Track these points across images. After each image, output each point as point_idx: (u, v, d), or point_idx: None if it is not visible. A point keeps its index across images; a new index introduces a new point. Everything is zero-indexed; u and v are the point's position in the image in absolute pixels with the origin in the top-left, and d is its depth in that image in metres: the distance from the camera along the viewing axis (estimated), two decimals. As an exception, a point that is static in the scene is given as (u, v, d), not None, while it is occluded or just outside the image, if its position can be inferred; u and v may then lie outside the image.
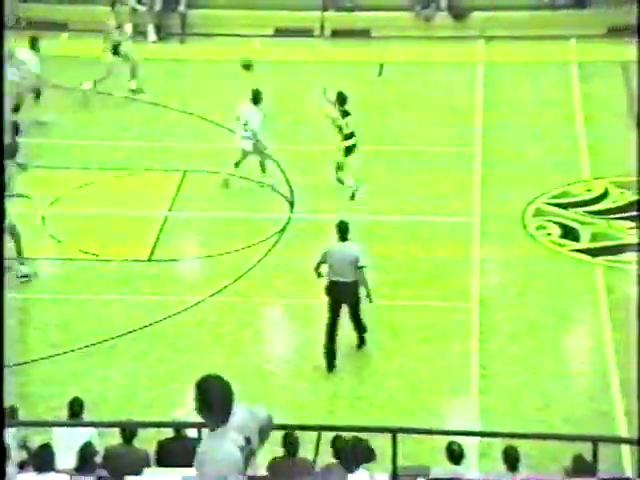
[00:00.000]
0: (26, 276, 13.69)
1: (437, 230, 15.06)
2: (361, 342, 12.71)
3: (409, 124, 17.84)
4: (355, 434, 8.96)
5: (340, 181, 15.69)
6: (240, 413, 5.66)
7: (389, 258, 14.39)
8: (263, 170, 15.77)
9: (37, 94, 17.49)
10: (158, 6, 20.46)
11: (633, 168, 14.09)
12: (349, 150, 15.55)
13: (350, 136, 15.48)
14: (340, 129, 15.47)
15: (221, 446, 5.52)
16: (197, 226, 15.32)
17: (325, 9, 21.06)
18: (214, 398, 5.60)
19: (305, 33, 20.63)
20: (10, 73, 16.69)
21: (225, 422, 5.58)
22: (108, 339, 12.86)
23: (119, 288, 13.79)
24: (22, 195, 13.79)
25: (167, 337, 12.98)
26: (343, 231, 12.34)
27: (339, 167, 15.62)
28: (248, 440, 5.62)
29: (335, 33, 20.92)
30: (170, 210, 15.44)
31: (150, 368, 12.50)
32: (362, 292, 12.35)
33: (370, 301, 12.40)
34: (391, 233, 14.99)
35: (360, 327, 12.59)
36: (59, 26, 20.59)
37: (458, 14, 21.04)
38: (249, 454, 5.63)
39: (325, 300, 12.38)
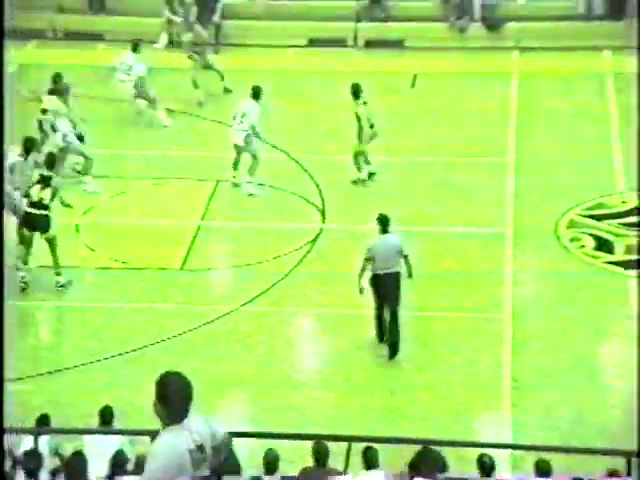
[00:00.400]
0: (63, 285, 13.77)
1: (470, 241, 14.98)
2: (393, 352, 12.68)
3: (442, 135, 17.78)
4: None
5: (358, 167, 15.86)
6: (197, 420, 5.66)
7: (421, 268, 14.32)
8: (235, 168, 15.80)
9: (152, 101, 17.68)
10: (193, 17, 20.56)
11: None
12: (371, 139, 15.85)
13: (371, 126, 15.75)
14: (359, 118, 15.60)
15: (170, 442, 5.50)
16: (229, 235, 15.35)
17: (359, 20, 21.08)
18: (172, 394, 5.60)
19: (338, 43, 20.65)
20: (121, 79, 17.13)
21: (179, 421, 5.57)
22: (139, 348, 12.90)
23: (151, 296, 13.84)
24: (67, 205, 13.87)
25: (198, 346, 12.99)
26: (385, 223, 12.70)
27: (358, 154, 15.84)
28: (200, 448, 5.58)
29: (368, 43, 20.92)
30: (203, 219, 15.48)
31: (181, 377, 12.48)
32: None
33: (410, 276, 12.74)
34: (423, 244, 14.92)
35: (397, 330, 12.58)
36: (95, 37, 20.75)
37: (492, 25, 20.97)
38: (200, 461, 5.57)
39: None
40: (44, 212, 13.53)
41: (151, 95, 17.67)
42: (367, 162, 16.11)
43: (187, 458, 5.50)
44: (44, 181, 13.59)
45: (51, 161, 13.89)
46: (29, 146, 14.40)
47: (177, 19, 20.56)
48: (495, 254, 14.71)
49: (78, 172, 16.05)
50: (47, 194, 13.56)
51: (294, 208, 15.76)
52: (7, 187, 13.64)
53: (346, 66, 19.37)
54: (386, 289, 12.56)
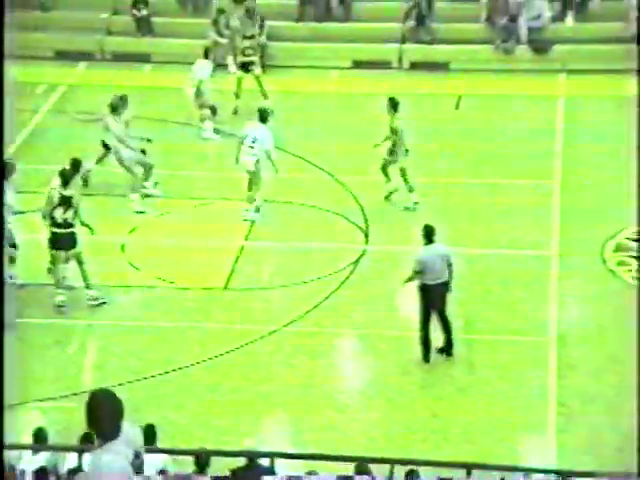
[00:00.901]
0: (96, 299, 13.85)
1: (515, 263, 14.87)
2: (449, 346, 12.75)
3: (487, 157, 17.71)
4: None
5: (387, 176, 15.88)
6: (128, 428, 5.79)
7: (465, 291, 14.23)
8: (249, 189, 15.70)
9: (213, 109, 17.88)
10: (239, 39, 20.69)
11: None
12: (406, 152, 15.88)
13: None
14: (395, 131, 15.67)
15: (112, 460, 5.63)
16: (272, 256, 15.37)
17: (404, 42, 21.10)
18: (104, 414, 5.72)
19: (383, 65, 20.67)
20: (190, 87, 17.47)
21: (115, 437, 5.69)
22: (183, 367, 12.92)
23: (195, 316, 13.87)
24: (86, 225, 13.95)
25: (241, 366, 12.99)
26: (430, 233, 12.72)
27: (386, 164, 15.92)
28: (137, 455, 5.79)
29: (413, 65, 20.92)
30: (246, 239, 15.51)
31: (224, 397, 12.51)
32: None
33: (450, 289, 12.81)
34: (467, 266, 14.81)
35: (449, 327, 12.72)
36: (142, 58, 20.96)
37: (539, 47, 20.89)
38: (138, 467, 5.77)
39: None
40: (70, 230, 13.60)
41: (210, 102, 17.79)
42: (388, 179, 16.00)
43: (129, 470, 5.69)
44: (66, 202, 13.66)
45: (65, 180, 13.84)
46: (76, 166, 14.52)
47: (223, 41, 20.70)
48: (540, 277, 14.58)
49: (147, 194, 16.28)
50: (71, 214, 13.62)
51: (337, 229, 15.75)
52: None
53: (391, 88, 19.32)
54: (436, 298, 12.58)
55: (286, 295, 14.41)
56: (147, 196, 16.07)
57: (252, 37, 19.15)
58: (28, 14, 21.45)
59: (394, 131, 15.79)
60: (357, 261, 14.95)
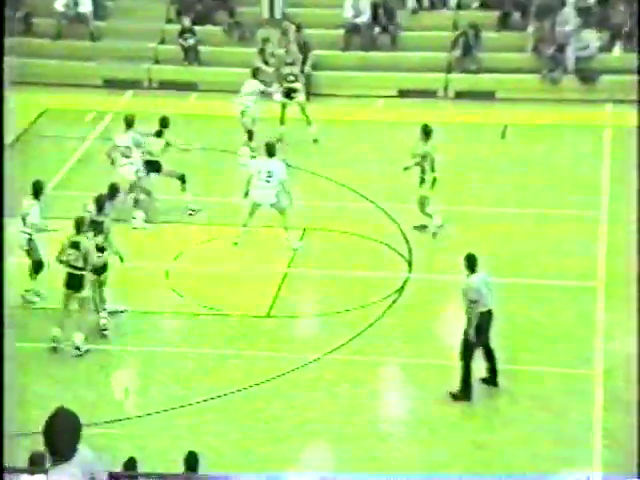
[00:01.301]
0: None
1: (561, 294, 14.71)
2: (494, 375, 12.62)
3: (533, 186, 17.60)
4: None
5: (428, 215, 15.85)
6: (84, 451, 5.74)
7: (510, 321, 14.10)
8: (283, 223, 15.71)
9: (250, 134, 18.09)
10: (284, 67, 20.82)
11: None
12: (433, 183, 15.80)
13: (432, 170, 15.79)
14: (427, 161, 15.65)
15: None
16: (315, 283, 15.35)
17: (449, 71, 21.09)
18: (59, 433, 5.67)
19: (429, 94, 20.66)
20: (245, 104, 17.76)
21: (68, 459, 5.64)
22: (225, 394, 12.91)
23: (237, 343, 13.88)
24: (117, 253, 14.01)
25: (283, 394, 12.95)
26: (473, 262, 12.64)
27: (423, 201, 15.86)
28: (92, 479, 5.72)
29: (459, 94, 20.89)
30: (289, 267, 15.52)
31: (265, 424, 12.48)
32: None
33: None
34: (513, 295, 14.70)
35: (493, 356, 12.63)
36: (189, 87, 21.16)
37: (586, 77, 20.76)
38: None
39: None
40: (101, 254, 13.69)
41: (249, 126, 17.98)
42: (430, 217, 15.92)
43: None
44: (96, 227, 13.73)
45: (100, 205, 13.96)
46: (113, 192, 14.66)
47: (268, 69, 20.83)
48: (586, 308, 14.40)
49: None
50: (100, 239, 13.69)
51: (381, 257, 15.70)
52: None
53: (436, 117, 19.32)
54: (486, 326, 12.50)
55: (329, 323, 14.37)
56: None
57: (292, 64, 19.24)
58: (78, 44, 21.78)
59: (424, 157, 15.71)
60: (401, 289, 14.89)
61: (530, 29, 21.21)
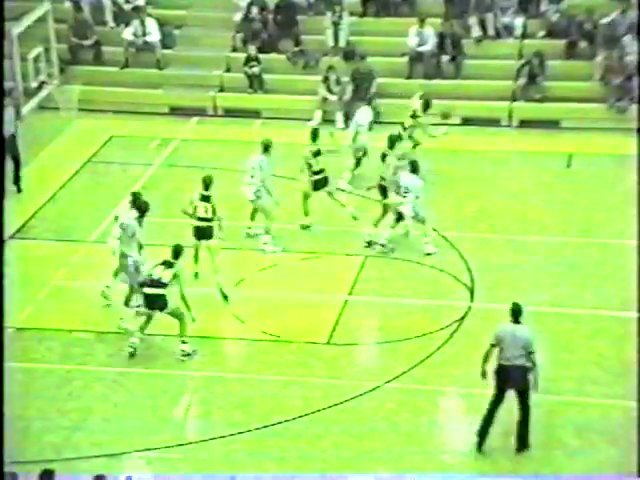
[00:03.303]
0: (188, 355, 13.97)
1: (626, 325, 14.45)
2: (522, 445, 12.26)
3: (598, 216, 17.39)
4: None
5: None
6: None
7: (574, 352, 13.91)
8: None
9: (358, 161, 18.20)
10: (348, 95, 20.91)
11: None
12: None
13: None
14: None
15: None
16: (376, 311, 15.31)
17: (514, 99, 20.98)
18: None
19: (493, 123, 20.58)
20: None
21: None
22: (284, 421, 12.90)
23: (297, 370, 13.87)
24: (185, 302, 13.98)
25: (342, 422, 12.90)
26: (517, 314, 12.26)
27: None
28: None
29: (523, 123, 20.77)
30: (350, 294, 15.50)
31: (324, 452, 12.43)
32: (531, 379, 12.11)
33: (536, 389, 12.15)
34: (576, 327, 14.51)
35: (526, 422, 12.21)
36: (253, 114, 21.34)
37: (653, 106, 20.49)
38: None
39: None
40: (161, 291, 13.74)
41: (359, 153, 18.14)
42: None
43: None
44: (168, 265, 13.86)
45: (177, 252, 13.98)
46: (143, 207, 14.82)
47: (333, 97, 20.94)
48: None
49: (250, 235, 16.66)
50: (168, 275, 13.76)
51: (443, 285, 15.62)
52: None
53: (500, 145, 19.25)
54: (510, 383, 12.11)
55: (389, 351, 14.30)
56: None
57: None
58: (145, 72, 22.11)
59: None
60: (462, 318, 14.78)
61: (598, 58, 21.03)
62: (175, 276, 13.76)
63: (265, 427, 12.82)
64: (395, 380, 13.54)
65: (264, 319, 14.90)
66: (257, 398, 13.40)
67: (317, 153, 16.67)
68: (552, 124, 20.59)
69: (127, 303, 14.53)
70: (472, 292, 15.38)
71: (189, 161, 19.22)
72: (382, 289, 15.57)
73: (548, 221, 17.24)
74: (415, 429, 12.75)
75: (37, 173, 19.04)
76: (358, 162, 18.30)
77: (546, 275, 15.78)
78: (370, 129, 18.53)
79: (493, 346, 12.24)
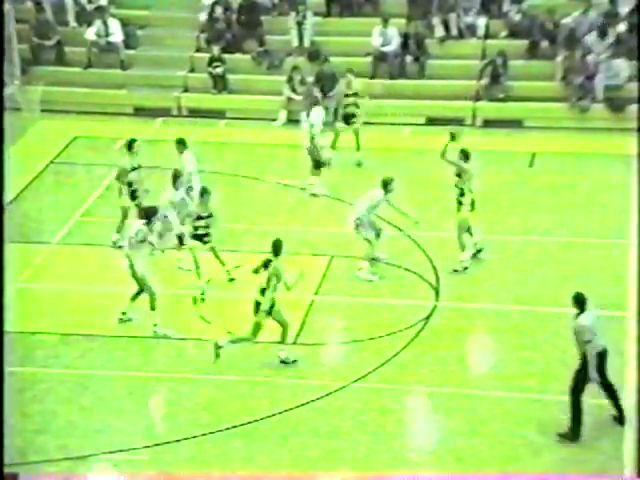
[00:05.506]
0: (284, 362, 13.91)
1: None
2: (620, 412, 12.48)
3: (560, 214, 17.56)
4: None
5: (462, 244, 15.84)
6: None
7: (538, 350, 14.02)
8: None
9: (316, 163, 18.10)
10: (314, 96, 20.92)
11: None
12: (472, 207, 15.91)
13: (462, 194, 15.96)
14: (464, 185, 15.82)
15: None
16: (342, 311, 15.35)
17: (477, 99, 21.13)
18: None
19: (456, 122, 20.70)
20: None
21: None
22: (251, 421, 12.91)
23: (264, 371, 13.88)
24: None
25: (309, 421, 12.93)
26: (583, 302, 12.38)
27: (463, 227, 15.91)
28: None
29: (487, 122, 20.92)
30: (316, 294, 15.53)
31: (292, 452, 12.45)
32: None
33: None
34: (540, 325, 14.63)
35: (615, 394, 12.48)
36: (217, 114, 21.31)
37: (615, 106, 20.72)
38: None
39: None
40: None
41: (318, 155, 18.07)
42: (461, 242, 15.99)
43: None
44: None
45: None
46: (151, 215, 14.79)
47: (297, 97, 20.96)
48: (616, 338, 14.22)
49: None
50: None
51: (408, 285, 15.69)
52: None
53: (464, 144, 19.33)
54: (604, 366, 12.32)
55: (356, 351, 14.35)
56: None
57: (355, 94, 19.39)
58: (108, 72, 22.01)
59: (463, 175, 15.86)
60: (428, 317, 14.86)
61: (559, 58, 21.23)
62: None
63: (233, 427, 12.82)
64: (361, 380, 13.59)
65: (230, 319, 14.88)
66: (224, 399, 13.39)
67: None
68: (515, 123, 20.76)
69: (153, 307, 14.45)
70: (437, 291, 15.47)
71: (154, 162, 19.15)
72: (348, 289, 15.62)
73: (511, 220, 17.38)
74: (381, 428, 12.81)
75: (0, 174, 18.88)
76: (317, 164, 18.24)
77: (510, 274, 15.91)
78: (322, 129, 18.46)
79: (588, 342, 12.22)
